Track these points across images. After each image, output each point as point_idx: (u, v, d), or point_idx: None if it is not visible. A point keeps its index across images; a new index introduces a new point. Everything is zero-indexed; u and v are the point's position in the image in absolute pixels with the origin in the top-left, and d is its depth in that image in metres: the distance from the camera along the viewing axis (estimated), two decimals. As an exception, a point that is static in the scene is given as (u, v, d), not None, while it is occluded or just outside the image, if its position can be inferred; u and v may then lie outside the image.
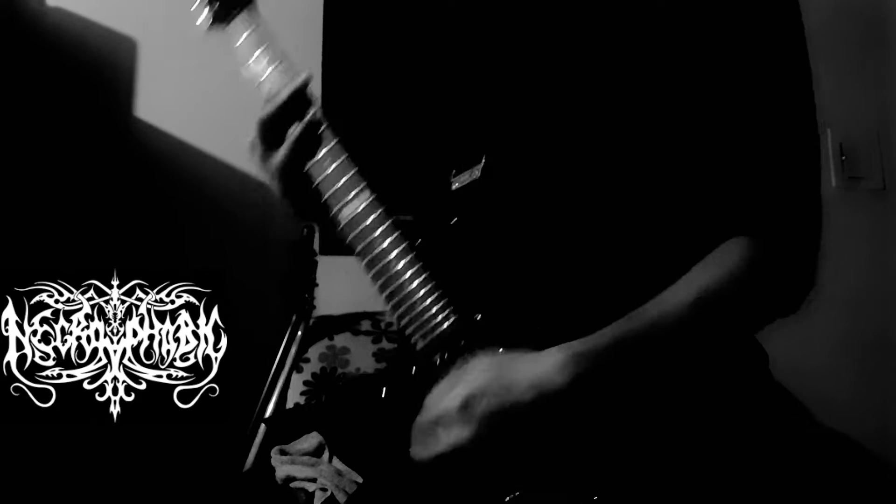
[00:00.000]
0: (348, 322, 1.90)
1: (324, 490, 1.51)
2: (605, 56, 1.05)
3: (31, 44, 2.07)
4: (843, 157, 2.30)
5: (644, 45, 1.02)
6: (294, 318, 1.89)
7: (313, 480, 1.55)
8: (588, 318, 0.97)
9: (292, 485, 1.57)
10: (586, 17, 1.08)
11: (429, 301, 1.03)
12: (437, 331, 1.02)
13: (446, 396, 0.95)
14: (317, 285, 1.97)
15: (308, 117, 1.08)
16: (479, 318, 1.02)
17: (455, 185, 1.15)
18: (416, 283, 1.04)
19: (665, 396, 0.95)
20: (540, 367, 0.93)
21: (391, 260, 1.04)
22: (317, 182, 1.08)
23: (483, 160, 1.10)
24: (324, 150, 1.08)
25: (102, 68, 2.11)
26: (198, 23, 1.16)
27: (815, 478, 0.97)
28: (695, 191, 1.01)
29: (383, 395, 1.06)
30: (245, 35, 1.12)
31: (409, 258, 1.04)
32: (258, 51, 1.11)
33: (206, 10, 1.15)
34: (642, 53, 1.02)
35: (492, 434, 0.92)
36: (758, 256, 0.96)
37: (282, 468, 1.60)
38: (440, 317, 1.02)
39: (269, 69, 1.10)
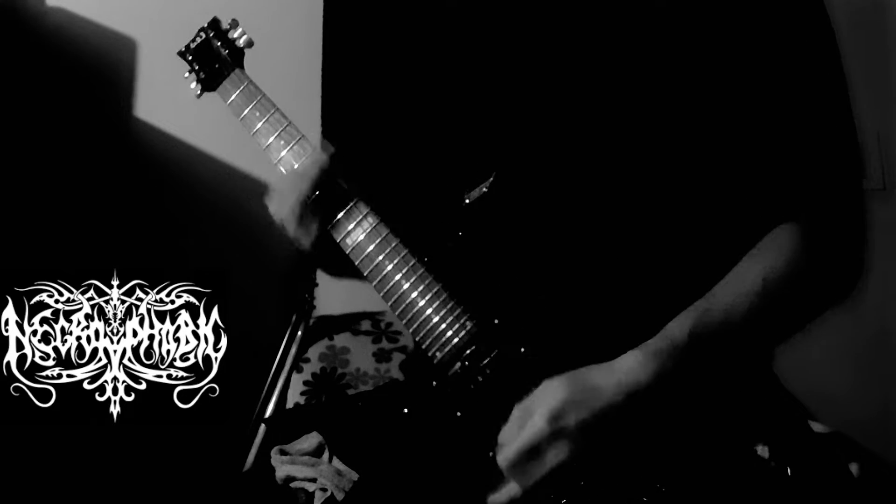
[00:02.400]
0: (348, 322, 1.90)
1: (324, 490, 1.51)
2: (621, 58, 1.04)
3: (32, 44, 2.07)
4: (843, 157, 2.29)
5: (664, 44, 1.01)
6: (294, 318, 1.89)
7: (313, 480, 1.55)
8: (616, 318, 0.97)
9: (292, 485, 1.57)
10: (594, 21, 1.08)
11: (444, 311, 1.03)
12: (456, 339, 1.02)
13: (527, 423, 0.93)
14: (317, 285, 1.97)
15: (338, 191, 1.10)
16: (497, 323, 1.01)
17: (466, 202, 1.15)
18: (428, 296, 1.04)
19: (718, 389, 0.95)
20: (621, 370, 0.92)
21: (401, 278, 1.05)
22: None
23: (493, 175, 1.10)
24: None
25: (102, 68, 2.10)
26: (191, 87, 1.23)
27: (812, 475, 0.96)
28: (730, 185, 1.00)
29: (406, 412, 1.04)
30: (234, 95, 1.18)
31: (419, 273, 1.05)
32: (247, 108, 1.16)
33: (195, 81, 1.23)
34: (662, 53, 1.01)
35: (590, 443, 0.91)
36: (810, 241, 0.96)
37: (282, 468, 1.60)
38: (457, 325, 1.02)
39: (259, 124, 1.15)
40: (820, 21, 1.01)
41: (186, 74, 1.24)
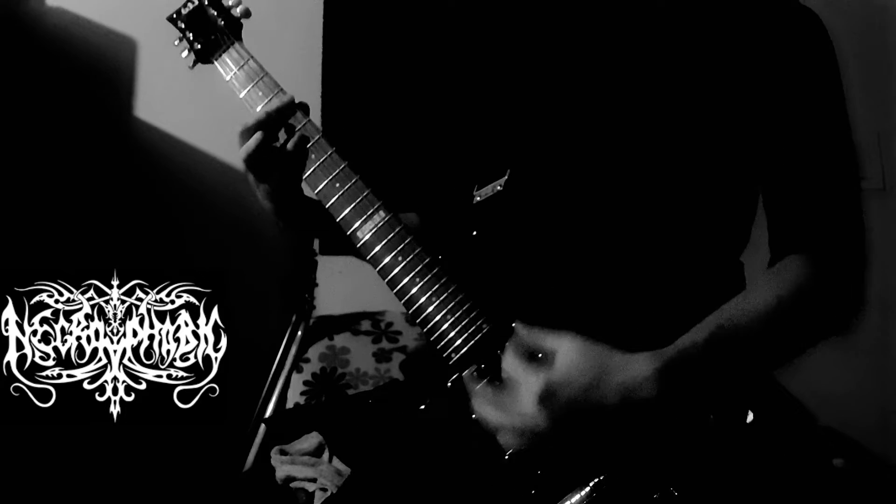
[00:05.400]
0: (348, 322, 1.90)
1: (324, 490, 1.51)
2: (644, 72, 1.05)
3: (32, 44, 2.07)
4: (843, 157, 2.29)
5: (686, 64, 1.04)
6: (294, 318, 1.89)
7: (313, 480, 1.55)
8: (627, 319, 0.97)
9: (292, 485, 1.57)
10: (620, 29, 1.08)
11: (459, 313, 1.01)
12: (472, 341, 1.00)
13: (529, 378, 0.91)
14: (317, 285, 1.97)
15: (297, 133, 1.06)
16: (515, 325, 1.00)
17: (477, 199, 1.13)
18: (443, 296, 1.01)
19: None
20: (631, 372, 0.90)
21: (415, 275, 1.02)
22: (329, 204, 1.06)
23: (507, 173, 1.09)
24: (334, 173, 1.06)
25: (102, 68, 2.10)
26: (182, 57, 1.15)
27: (813, 475, 0.97)
28: (743, 203, 1.07)
29: (422, 408, 1.03)
30: (234, 72, 1.11)
31: (433, 272, 1.02)
32: (249, 86, 1.10)
33: (187, 50, 1.15)
34: (685, 73, 1.03)
35: (566, 427, 0.90)
36: (819, 273, 1.00)
37: (282, 468, 1.60)
38: (473, 327, 1.00)
39: (261, 104, 1.09)
40: (831, 68, 1.06)
41: (177, 42, 1.15)
